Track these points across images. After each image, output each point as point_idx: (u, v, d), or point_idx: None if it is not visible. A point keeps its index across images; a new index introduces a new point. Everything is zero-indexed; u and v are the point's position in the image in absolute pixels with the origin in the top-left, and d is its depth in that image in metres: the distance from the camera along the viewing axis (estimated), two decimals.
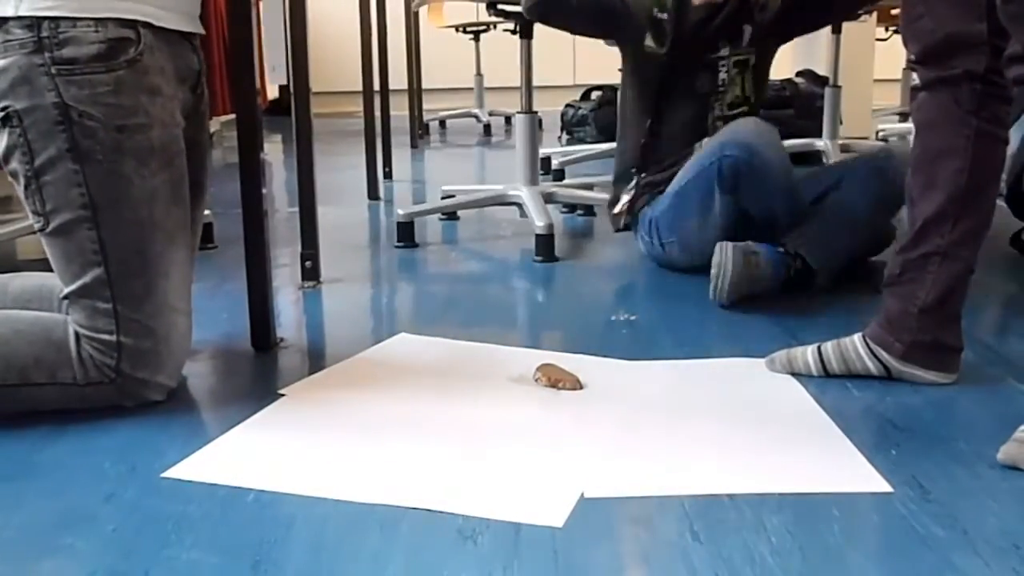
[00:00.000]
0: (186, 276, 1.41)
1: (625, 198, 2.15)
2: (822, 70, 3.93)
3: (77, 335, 1.32)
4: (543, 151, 3.45)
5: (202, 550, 0.98)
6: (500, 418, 1.32)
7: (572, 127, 4.77)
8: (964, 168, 1.33)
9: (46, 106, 1.28)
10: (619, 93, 2.17)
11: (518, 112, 2.53)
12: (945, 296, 1.37)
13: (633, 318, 1.79)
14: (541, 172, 2.60)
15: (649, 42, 2.08)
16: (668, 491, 1.09)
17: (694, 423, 1.29)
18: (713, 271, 1.80)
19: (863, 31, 4.23)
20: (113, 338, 1.31)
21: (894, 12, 3.87)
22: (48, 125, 1.28)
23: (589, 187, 2.86)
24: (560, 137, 4.83)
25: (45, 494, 1.12)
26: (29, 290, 1.53)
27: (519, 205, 2.51)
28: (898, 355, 1.40)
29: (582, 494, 1.08)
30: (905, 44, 1.38)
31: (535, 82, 2.52)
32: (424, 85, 4.93)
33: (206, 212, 1.63)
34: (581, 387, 1.42)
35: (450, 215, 2.81)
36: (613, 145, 3.88)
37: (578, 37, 2.50)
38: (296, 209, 2.09)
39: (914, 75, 1.39)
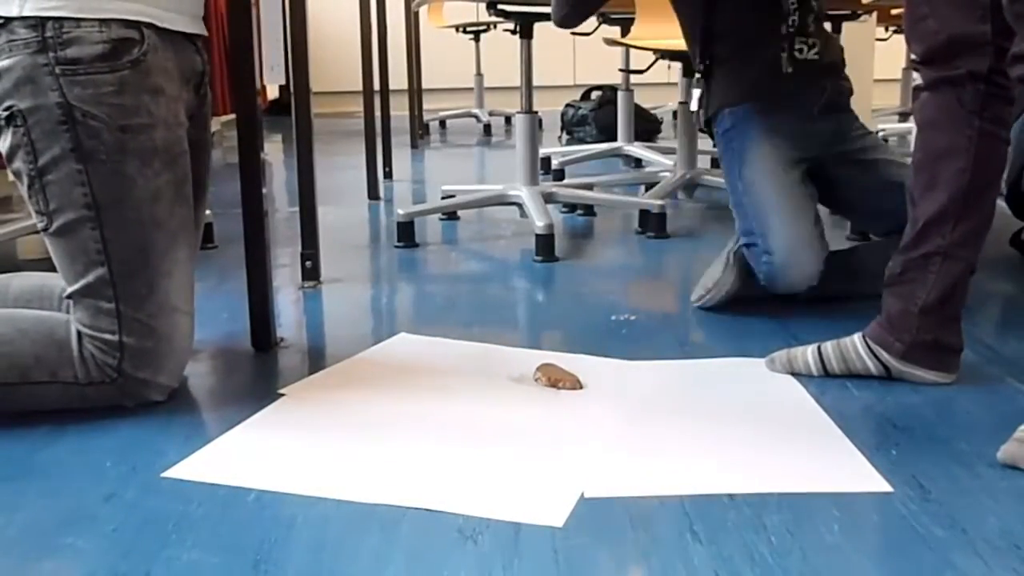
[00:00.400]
0: (188, 276, 1.41)
1: (696, 93, 1.98)
2: None
3: (80, 334, 1.32)
4: (543, 151, 3.45)
5: (202, 550, 0.98)
6: (500, 418, 1.32)
7: (572, 127, 4.78)
8: (966, 168, 1.33)
9: (50, 106, 1.28)
10: None
11: (518, 112, 2.53)
12: (946, 296, 1.37)
13: (633, 318, 1.79)
14: (541, 172, 2.60)
15: None
16: (668, 491, 1.09)
17: (694, 423, 1.29)
18: (708, 283, 1.77)
19: (863, 31, 4.22)
20: (115, 338, 1.31)
21: (894, 12, 3.87)
22: (52, 125, 1.28)
23: (589, 187, 2.86)
24: (560, 137, 4.84)
25: (45, 494, 1.12)
26: (30, 290, 1.53)
27: (519, 205, 2.51)
28: (898, 355, 1.40)
29: (582, 494, 1.08)
30: (909, 44, 1.39)
31: (535, 82, 2.52)
32: (424, 85, 4.93)
33: (207, 212, 1.63)
34: (581, 387, 1.42)
35: (450, 215, 2.81)
36: (613, 145, 3.91)
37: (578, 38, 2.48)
38: (296, 209, 2.09)
39: (916, 75, 1.40)
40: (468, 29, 5.45)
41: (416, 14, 4.45)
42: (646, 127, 4.50)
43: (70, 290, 1.33)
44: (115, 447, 1.24)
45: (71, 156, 1.29)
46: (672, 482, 1.12)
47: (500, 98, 5.57)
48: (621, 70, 3.82)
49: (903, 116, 4.98)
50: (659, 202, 2.54)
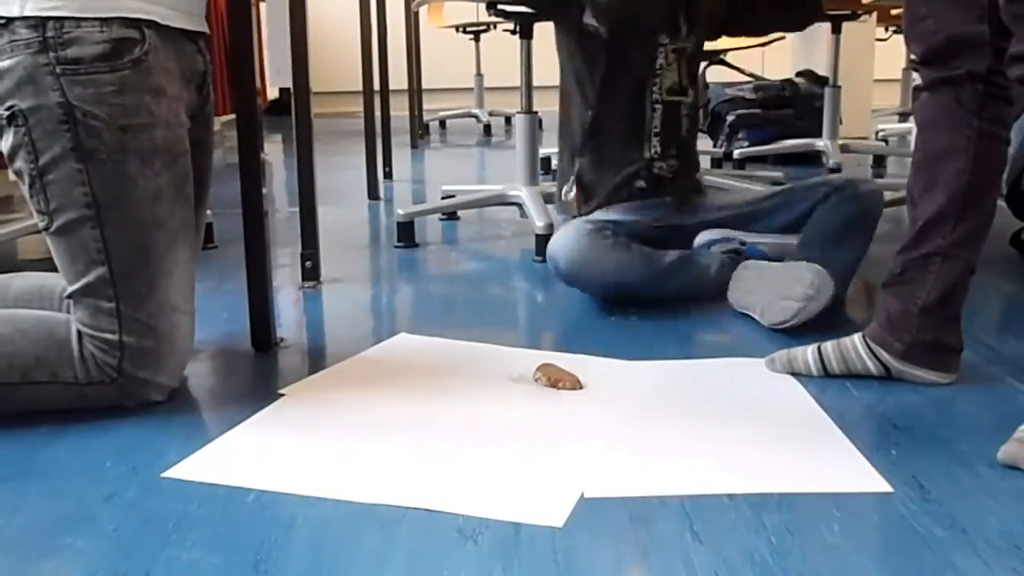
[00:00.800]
0: (189, 276, 1.41)
1: (572, 188, 2.10)
2: (822, 70, 3.93)
3: (80, 334, 1.32)
4: (543, 151, 3.45)
5: (202, 550, 0.98)
6: (500, 418, 1.32)
7: None
8: (965, 168, 1.33)
9: (50, 105, 1.28)
10: (560, 75, 2.09)
11: (518, 112, 2.53)
12: (946, 296, 1.37)
13: (633, 318, 1.79)
14: (541, 172, 2.60)
15: (589, 19, 1.99)
16: (668, 491, 1.09)
17: (694, 423, 1.29)
18: (808, 292, 1.67)
19: (863, 31, 4.23)
20: (116, 337, 1.31)
21: (894, 12, 3.87)
22: (52, 124, 1.29)
23: None
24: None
25: (45, 494, 1.12)
26: (30, 290, 1.53)
27: (519, 205, 2.51)
28: (898, 355, 1.40)
29: (582, 494, 1.08)
30: (908, 45, 1.39)
31: (535, 82, 2.52)
32: (424, 85, 4.93)
33: (207, 212, 1.63)
34: (581, 387, 1.42)
35: (450, 215, 2.81)
36: None
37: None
38: (296, 209, 2.09)
39: (916, 75, 1.40)
40: (468, 29, 5.46)
41: (416, 14, 4.45)
42: None
43: (70, 289, 1.33)
44: (115, 447, 1.24)
45: (72, 156, 1.29)
46: (672, 482, 1.12)
47: (500, 98, 5.57)
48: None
49: (903, 116, 4.98)
50: None
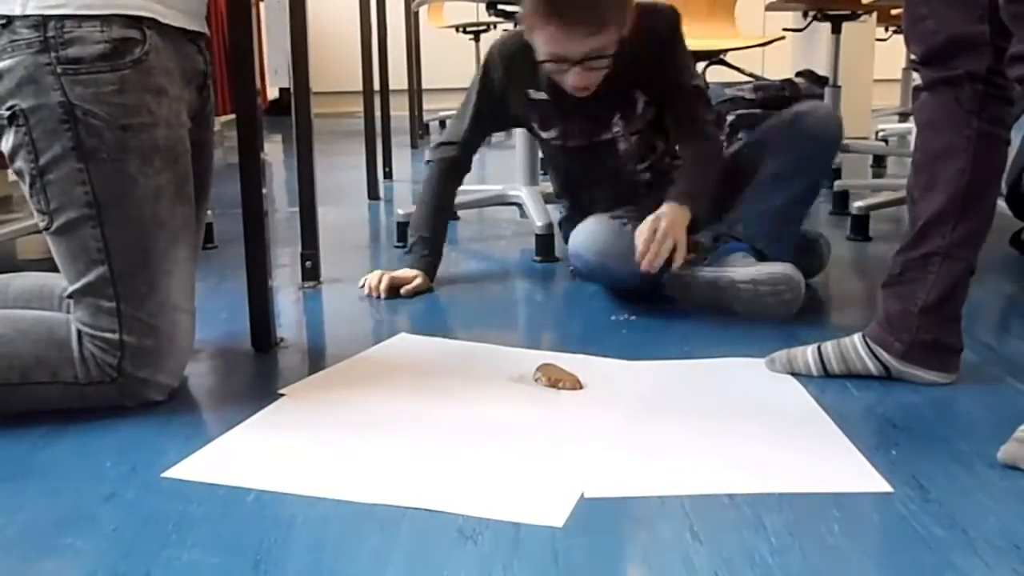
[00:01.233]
0: (190, 275, 1.41)
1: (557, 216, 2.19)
2: (822, 70, 3.93)
3: (80, 334, 1.32)
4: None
5: (202, 550, 0.98)
6: (500, 418, 1.32)
7: None
8: (965, 168, 1.33)
9: (51, 105, 1.28)
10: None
11: None
12: (945, 296, 1.37)
13: (633, 318, 1.79)
14: (541, 172, 2.60)
15: (536, 128, 2.04)
16: (668, 491, 1.09)
17: (694, 423, 1.29)
18: (783, 287, 1.73)
19: (863, 31, 4.24)
20: (116, 336, 1.31)
21: (894, 12, 3.87)
22: (53, 124, 1.29)
23: None
24: None
25: (45, 494, 1.12)
26: (30, 290, 1.53)
27: (519, 205, 2.51)
28: (898, 355, 1.40)
29: (582, 494, 1.08)
30: (908, 45, 1.39)
31: None
32: (424, 85, 4.93)
33: (207, 212, 1.64)
34: (581, 387, 1.42)
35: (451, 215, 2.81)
36: None
37: None
38: (296, 209, 2.09)
39: (916, 75, 1.40)
40: (468, 29, 5.46)
41: (416, 14, 4.45)
42: None
43: (71, 289, 1.33)
44: (115, 447, 1.24)
45: (72, 155, 1.29)
46: (672, 482, 1.12)
47: None
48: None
49: (903, 116, 4.98)
50: None
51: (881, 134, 4.40)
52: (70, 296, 1.34)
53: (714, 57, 3.79)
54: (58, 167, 1.30)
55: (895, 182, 2.96)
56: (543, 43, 1.84)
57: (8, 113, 1.29)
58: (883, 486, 1.10)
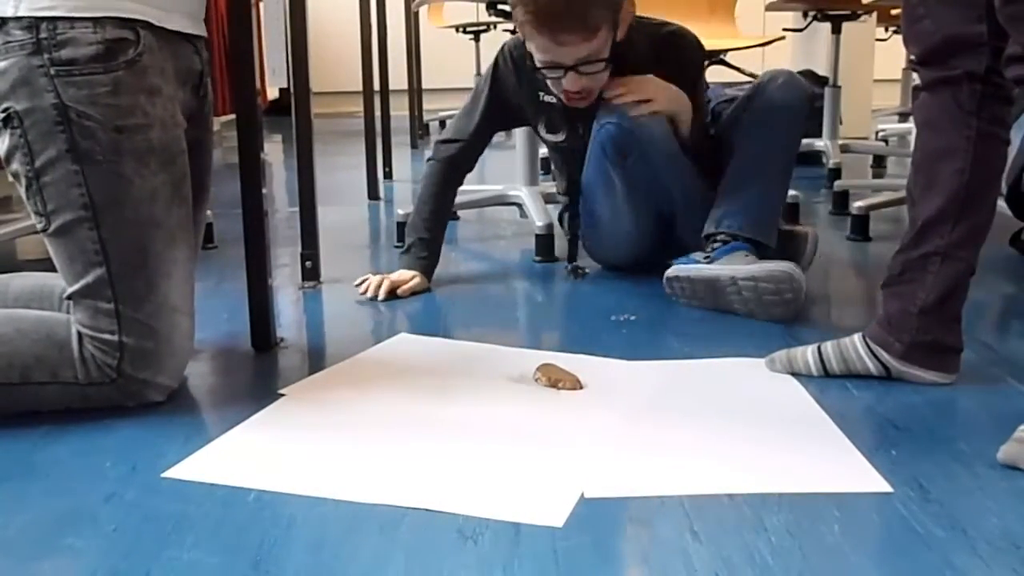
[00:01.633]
0: (188, 276, 1.41)
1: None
2: (822, 70, 3.93)
3: (80, 335, 1.32)
4: (543, 151, 3.45)
5: (202, 550, 0.98)
6: (500, 418, 1.32)
7: None
8: (964, 168, 1.33)
9: (45, 107, 1.28)
10: None
11: None
12: (945, 296, 1.37)
13: (633, 318, 1.79)
14: (541, 172, 2.60)
15: (542, 131, 2.06)
16: (668, 491, 1.09)
17: (694, 423, 1.29)
18: (784, 287, 1.72)
19: (863, 31, 4.23)
20: (115, 338, 1.31)
21: (894, 12, 3.87)
22: (48, 126, 1.28)
23: None
24: None
25: (45, 494, 1.12)
26: (30, 290, 1.53)
27: (519, 205, 2.51)
28: (898, 355, 1.40)
29: (582, 494, 1.08)
30: (906, 45, 1.39)
31: None
32: (424, 85, 4.93)
33: (207, 212, 1.64)
34: (581, 387, 1.42)
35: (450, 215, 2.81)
36: None
37: None
38: (296, 209, 2.09)
39: (915, 75, 1.40)
40: (468, 29, 5.45)
41: (416, 14, 4.44)
42: None
43: (70, 291, 1.33)
44: (115, 447, 1.24)
45: (67, 157, 1.29)
46: (672, 482, 1.12)
47: None
48: None
49: (903, 116, 4.98)
50: None
51: (881, 134, 4.39)
52: (69, 298, 1.34)
53: (714, 57, 3.79)
54: (54, 169, 1.30)
55: (895, 182, 2.96)
56: (536, 51, 1.85)
57: (3, 115, 1.29)
58: (883, 486, 1.10)
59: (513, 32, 2.53)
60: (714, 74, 4.06)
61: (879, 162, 3.79)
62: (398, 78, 3.86)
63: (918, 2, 1.34)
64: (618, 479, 1.13)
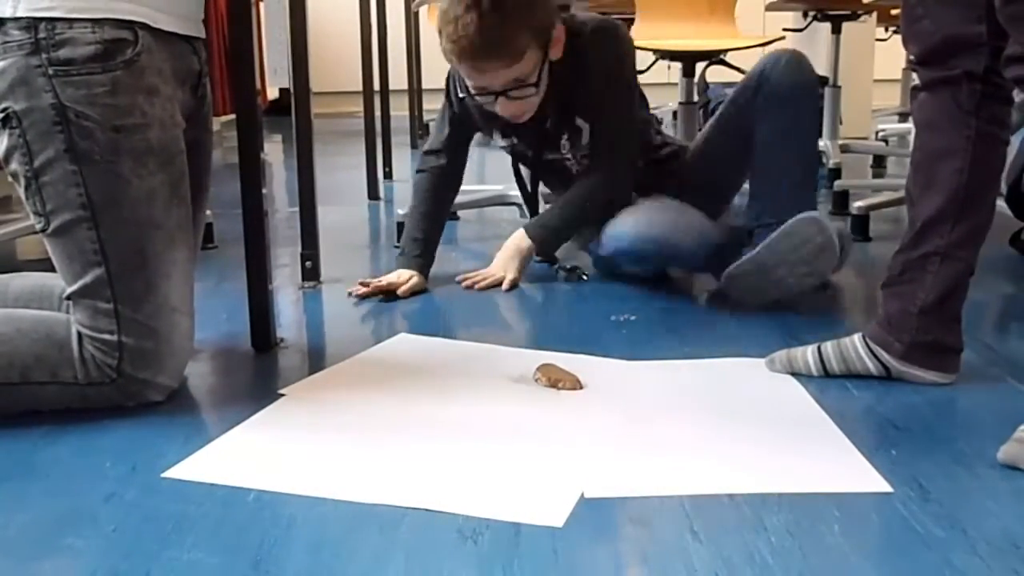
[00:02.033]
0: (187, 276, 1.41)
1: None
2: (822, 70, 3.92)
3: (80, 335, 1.32)
4: None
5: (202, 550, 0.98)
6: (500, 418, 1.32)
7: None
8: (964, 168, 1.33)
9: (44, 107, 1.28)
10: None
11: None
12: (945, 296, 1.37)
13: (633, 318, 1.79)
14: None
15: (497, 139, 2.09)
16: (668, 491, 1.09)
17: (694, 423, 1.29)
18: (812, 230, 1.71)
19: (863, 31, 4.23)
20: (115, 338, 1.31)
21: (894, 12, 3.87)
22: (46, 126, 1.28)
23: None
24: None
25: (46, 494, 1.12)
26: (29, 290, 1.53)
27: (519, 205, 2.51)
28: (898, 355, 1.40)
29: (582, 494, 1.08)
30: (905, 45, 1.39)
31: None
32: (424, 85, 4.92)
33: (207, 212, 1.64)
34: (581, 387, 1.42)
35: (450, 215, 2.80)
36: None
37: None
38: (296, 209, 2.09)
39: (914, 75, 1.40)
40: None
41: (416, 14, 4.44)
42: None
43: (69, 291, 1.33)
44: (115, 447, 1.24)
45: (66, 157, 1.29)
46: (672, 482, 1.12)
47: None
48: None
49: (903, 116, 4.97)
50: None
51: (881, 134, 4.39)
52: (68, 298, 1.34)
53: (714, 57, 3.79)
54: (52, 169, 1.30)
55: (895, 182, 2.96)
56: (465, 77, 1.86)
57: (1, 116, 1.29)
58: (883, 486, 1.10)
59: None
60: (714, 74, 4.06)
61: (879, 162, 3.79)
62: (398, 78, 3.86)
63: (917, 2, 1.34)
64: (618, 479, 1.13)
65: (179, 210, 1.38)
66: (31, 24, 1.28)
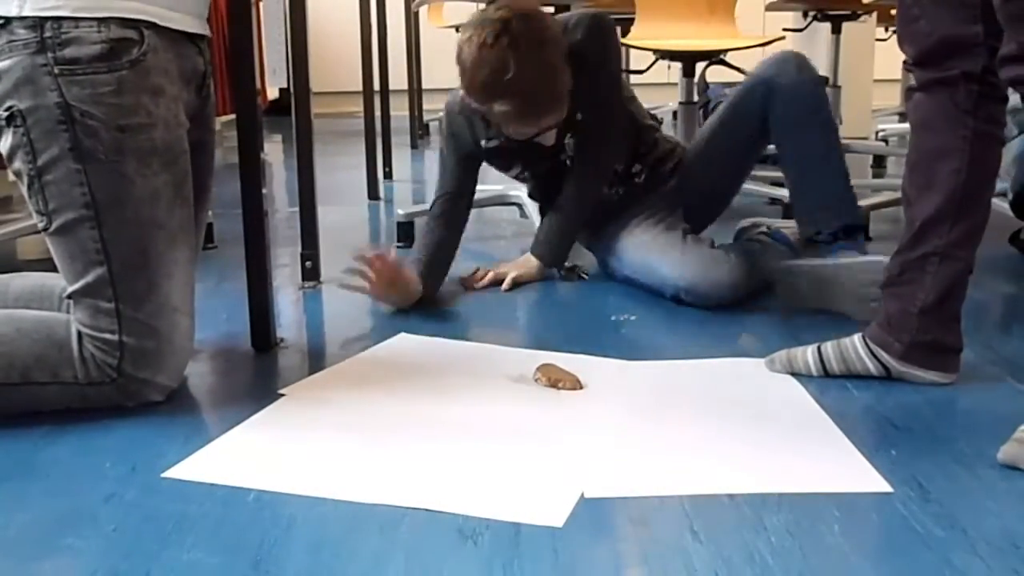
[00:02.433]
0: (189, 276, 1.41)
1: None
2: (822, 70, 3.92)
3: (80, 334, 1.32)
4: None
5: (202, 550, 0.98)
6: (500, 418, 1.32)
7: None
8: (962, 168, 1.33)
9: (49, 106, 1.28)
10: None
11: None
12: (944, 296, 1.37)
13: (633, 318, 1.79)
14: None
15: (502, 170, 2.13)
16: (668, 491, 1.09)
17: (694, 423, 1.29)
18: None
19: (863, 31, 4.23)
20: (115, 337, 1.31)
21: (894, 12, 3.87)
22: (51, 125, 1.28)
23: None
24: None
25: (46, 494, 1.12)
26: (30, 290, 1.53)
27: (519, 205, 2.51)
28: (898, 355, 1.40)
29: (582, 494, 1.08)
30: (901, 46, 1.39)
31: None
32: (424, 85, 4.93)
33: (208, 212, 1.64)
34: (581, 387, 1.42)
35: None
36: None
37: None
38: (296, 209, 2.09)
39: (911, 76, 1.40)
40: None
41: (416, 14, 4.44)
42: None
43: (70, 290, 1.33)
44: (115, 447, 1.24)
45: (70, 156, 1.29)
46: (672, 482, 1.12)
47: None
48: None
49: (903, 116, 4.97)
50: None
51: (881, 134, 4.39)
52: (69, 297, 1.34)
53: (714, 57, 3.79)
54: (56, 168, 1.30)
55: (895, 182, 2.95)
56: (509, 126, 1.87)
57: (6, 114, 1.29)
58: (883, 486, 1.10)
59: None
60: (714, 74, 4.06)
61: (879, 162, 3.79)
62: (398, 78, 3.86)
63: (912, 3, 1.34)
64: (618, 479, 1.13)
65: (182, 210, 1.38)
66: (37, 23, 1.28)
